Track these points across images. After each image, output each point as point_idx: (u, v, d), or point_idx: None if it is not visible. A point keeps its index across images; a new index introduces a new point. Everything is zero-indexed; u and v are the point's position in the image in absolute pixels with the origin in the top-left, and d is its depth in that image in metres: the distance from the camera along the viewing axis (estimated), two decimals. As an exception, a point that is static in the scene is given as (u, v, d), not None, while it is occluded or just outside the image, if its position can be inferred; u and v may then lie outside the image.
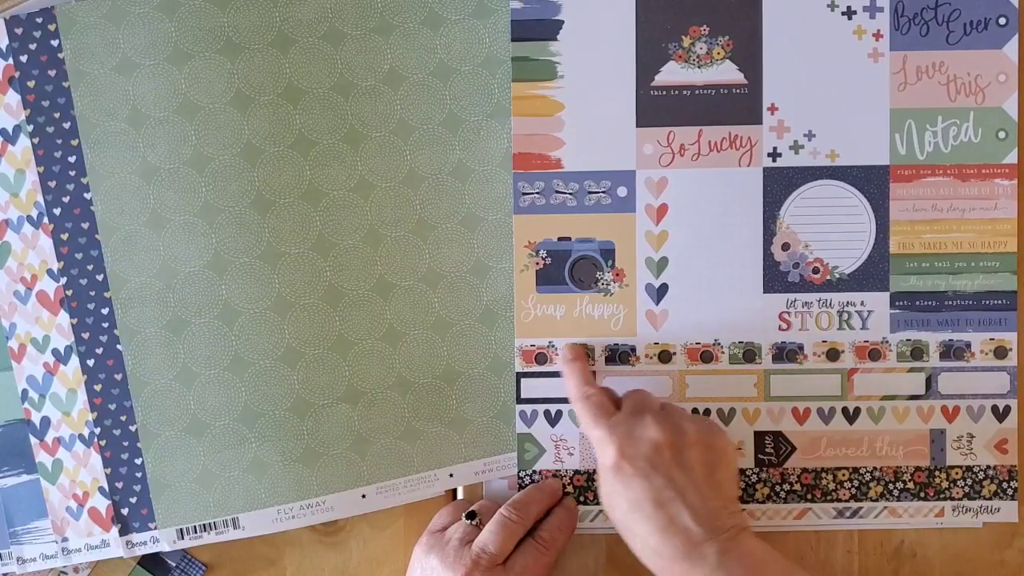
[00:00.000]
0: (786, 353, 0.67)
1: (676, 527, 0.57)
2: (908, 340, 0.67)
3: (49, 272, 0.67)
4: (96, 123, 0.66)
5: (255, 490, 0.68)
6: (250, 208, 0.67)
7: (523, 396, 0.68)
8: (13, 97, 0.66)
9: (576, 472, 0.68)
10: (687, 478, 0.58)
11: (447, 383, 0.68)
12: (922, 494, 0.67)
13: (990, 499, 0.67)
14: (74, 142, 0.66)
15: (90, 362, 0.67)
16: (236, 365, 0.67)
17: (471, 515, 0.64)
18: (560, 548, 0.64)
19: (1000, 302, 0.67)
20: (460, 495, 0.69)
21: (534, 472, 0.68)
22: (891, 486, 0.67)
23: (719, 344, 0.67)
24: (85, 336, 0.67)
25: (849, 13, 0.66)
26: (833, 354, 0.67)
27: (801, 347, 0.67)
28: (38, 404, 0.68)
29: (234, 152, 0.66)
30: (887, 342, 0.67)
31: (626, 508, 0.59)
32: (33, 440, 0.68)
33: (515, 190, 0.68)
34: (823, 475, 0.67)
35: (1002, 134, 0.66)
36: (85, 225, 0.67)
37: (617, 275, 0.67)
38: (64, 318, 0.67)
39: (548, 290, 0.68)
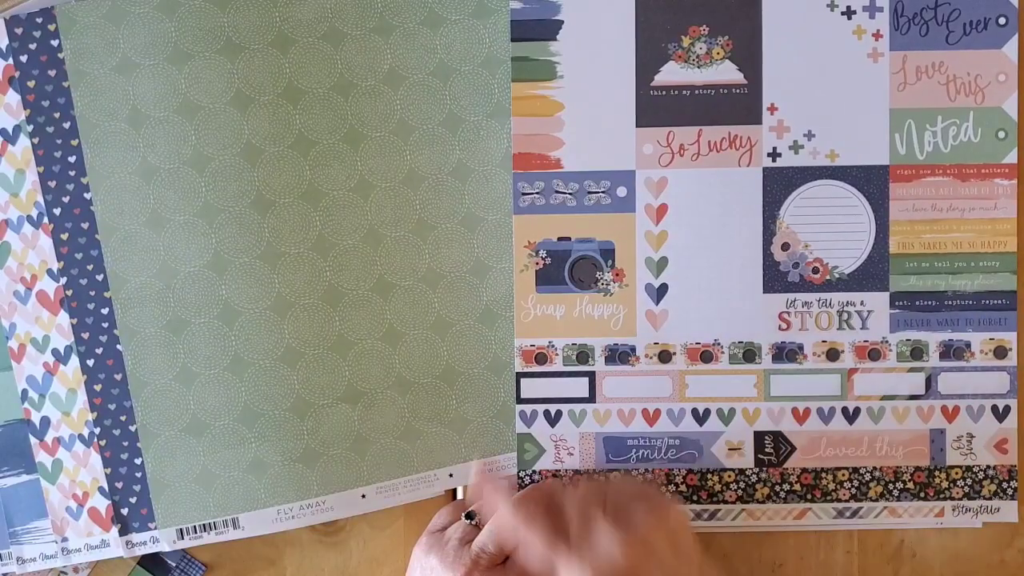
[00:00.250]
0: (786, 353, 0.67)
1: None
2: (908, 340, 0.67)
3: (49, 272, 0.67)
4: (96, 123, 0.66)
5: (255, 490, 0.68)
6: (250, 208, 0.67)
7: (523, 396, 0.68)
8: (13, 97, 0.66)
9: (576, 472, 0.68)
10: (662, 569, 0.58)
11: (447, 383, 0.68)
12: (922, 494, 0.67)
13: (990, 499, 0.67)
14: (74, 142, 0.66)
15: (90, 362, 0.67)
16: (236, 365, 0.67)
17: (470, 515, 0.63)
18: None
19: (1000, 302, 0.67)
20: (460, 495, 0.69)
21: (534, 472, 0.68)
22: (891, 486, 0.67)
23: (719, 344, 0.67)
24: (85, 336, 0.67)
25: (849, 13, 0.66)
26: (833, 354, 0.67)
27: (801, 347, 0.67)
28: (38, 404, 0.68)
29: (234, 152, 0.66)
30: (887, 342, 0.67)
31: None
32: (33, 440, 0.68)
33: (515, 190, 0.68)
34: (823, 475, 0.67)
35: (1002, 134, 0.66)
36: (85, 225, 0.67)
37: (617, 275, 0.67)
38: (64, 318, 0.67)
39: (548, 290, 0.68)
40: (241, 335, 0.67)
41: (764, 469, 0.67)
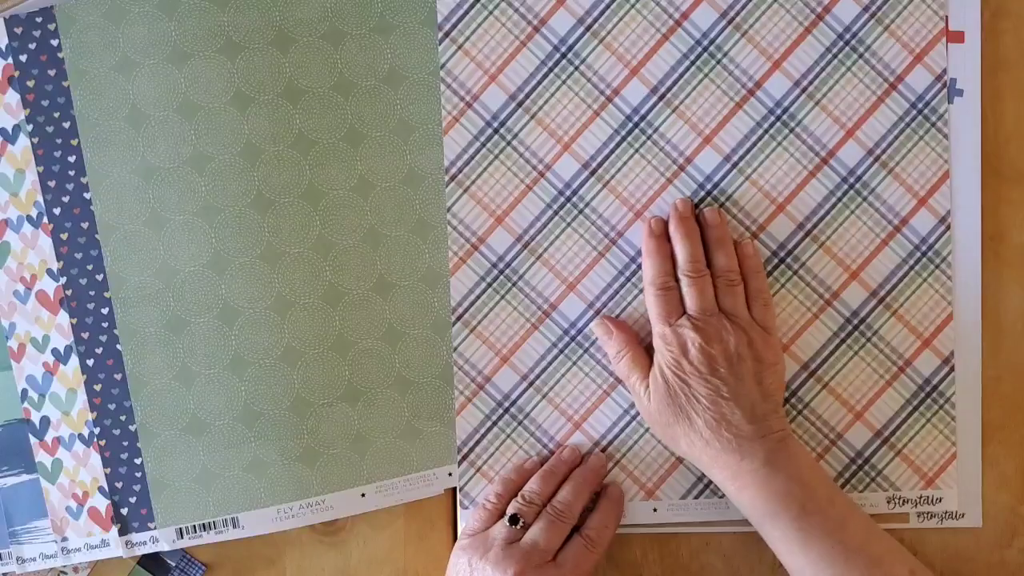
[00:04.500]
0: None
1: (729, 423, 0.60)
2: None
3: (49, 272, 0.67)
4: (96, 122, 0.66)
5: (255, 489, 0.68)
6: (250, 208, 0.67)
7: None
8: (13, 96, 0.66)
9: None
10: (740, 384, 0.62)
11: (446, 382, 0.68)
12: None
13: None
14: (74, 141, 0.66)
15: (90, 362, 0.67)
16: (236, 365, 0.67)
17: (514, 519, 0.64)
18: (606, 544, 0.65)
19: None
20: (460, 497, 0.69)
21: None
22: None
23: None
24: (85, 336, 0.67)
25: None
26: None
27: None
28: (38, 404, 0.68)
29: (234, 152, 0.66)
30: None
31: (683, 401, 0.62)
32: (33, 440, 0.68)
33: None
34: None
35: None
36: (85, 225, 0.67)
37: None
38: (64, 318, 0.67)
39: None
40: (241, 335, 0.67)
41: None
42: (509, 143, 0.67)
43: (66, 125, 0.66)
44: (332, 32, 0.66)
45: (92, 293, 0.67)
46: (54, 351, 0.67)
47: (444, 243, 0.68)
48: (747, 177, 0.66)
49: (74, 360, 0.67)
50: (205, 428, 0.67)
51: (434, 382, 0.68)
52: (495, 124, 0.67)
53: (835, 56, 0.66)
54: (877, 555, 0.59)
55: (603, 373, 0.67)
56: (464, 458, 0.68)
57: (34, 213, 0.67)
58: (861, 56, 0.66)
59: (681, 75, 0.66)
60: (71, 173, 0.66)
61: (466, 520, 0.66)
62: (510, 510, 0.64)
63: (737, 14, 0.66)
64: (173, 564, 0.69)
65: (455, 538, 0.68)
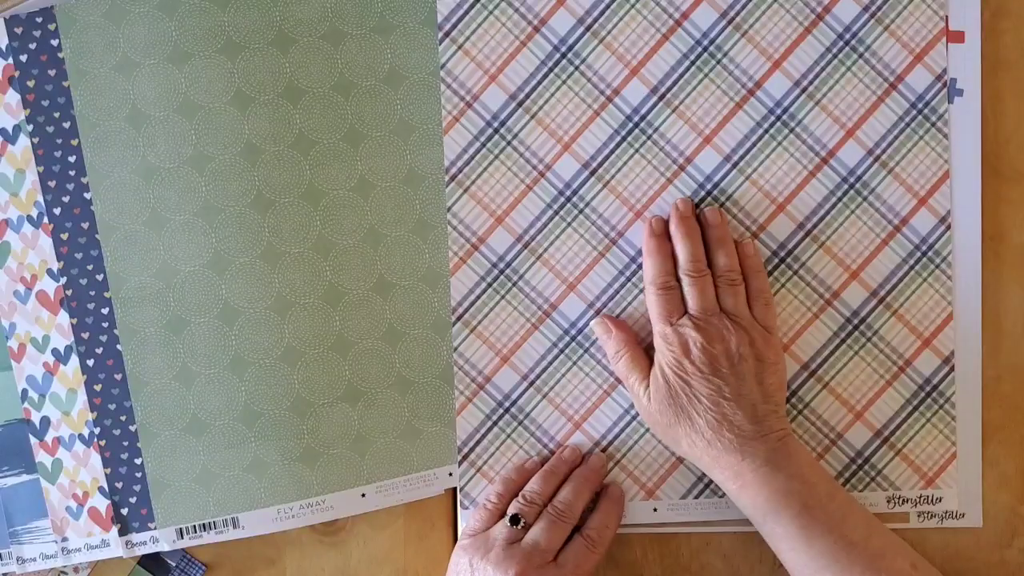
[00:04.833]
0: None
1: (731, 423, 0.60)
2: None
3: (49, 272, 0.67)
4: (96, 122, 0.66)
5: (255, 490, 0.68)
6: (250, 208, 0.67)
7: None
8: (13, 97, 0.66)
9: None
10: (742, 384, 0.62)
11: (446, 382, 0.68)
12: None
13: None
14: (74, 141, 0.66)
15: (90, 362, 0.67)
16: (236, 365, 0.67)
17: (515, 519, 0.64)
18: (607, 544, 0.65)
19: None
20: (459, 496, 0.69)
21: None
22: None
23: None
24: (85, 336, 0.67)
25: None
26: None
27: None
28: (38, 404, 0.68)
29: (234, 152, 0.66)
30: None
31: (684, 401, 0.62)
32: (33, 440, 0.68)
33: None
34: None
35: None
36: (85, 225, 0.67)
37: None
38: (64, 318, 0.67)
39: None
40: (241, 335, 0.67)
41: None
42: (509, 143, 0.67)
43: (66, 125, 0.66)
44: (332, 32, 0.66)
45: (92, 293, 0.67)
46: (54, 351, 0.67)
47: (444, 243, 0.68)
48: (747, 177, 0.67)
49: (74, 360, 0.67)
50: (205, 428, 0.67)
51: (434, 382, 0.68)
52: (495, 124, 0.67)
53: (835, 56, 0.66)
54: (879, 549, 0.59)
55: (603, 373, 0.67)
56: (464, 458, 0.68)
57: (34, 213, 0.67)
58: (861, 56, 0.66)
59: (681, 75, 0.66)
60: (71, 173, 0.66)
61: (467, 520, 0.66)
62: (511, 510, 0.64)
63: (737, 14, 0.66)
64: (173, 564, 0.69)
65: (455, 538, 0.69)
